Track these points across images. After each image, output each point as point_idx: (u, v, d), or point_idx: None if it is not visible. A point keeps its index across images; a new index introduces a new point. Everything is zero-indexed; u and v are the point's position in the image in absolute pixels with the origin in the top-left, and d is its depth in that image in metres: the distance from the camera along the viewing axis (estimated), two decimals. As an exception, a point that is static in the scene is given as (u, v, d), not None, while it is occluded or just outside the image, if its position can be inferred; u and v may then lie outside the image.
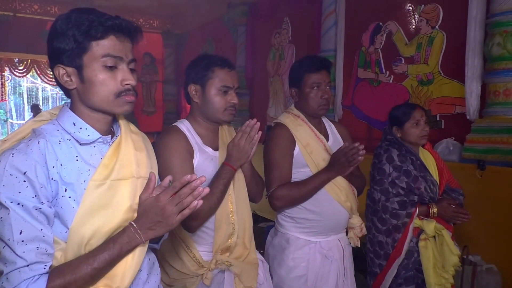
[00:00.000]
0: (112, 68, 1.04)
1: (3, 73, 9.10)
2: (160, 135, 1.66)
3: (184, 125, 1.67)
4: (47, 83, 9.57)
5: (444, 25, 3.72)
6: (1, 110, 13.99)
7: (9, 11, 7.63)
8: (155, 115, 9.36)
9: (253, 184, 1.76)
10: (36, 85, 13.85)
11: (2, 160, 0.96)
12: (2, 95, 9.22)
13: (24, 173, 0.95)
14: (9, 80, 11.36)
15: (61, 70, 1.05)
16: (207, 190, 1.02)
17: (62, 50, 1.02)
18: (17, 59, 8.93)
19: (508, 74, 3.03)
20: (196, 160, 1.61)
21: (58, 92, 14.14)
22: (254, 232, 1.77)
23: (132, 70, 1.09)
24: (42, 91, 14.17)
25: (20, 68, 9.04)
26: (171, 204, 1.01)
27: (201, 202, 1.01)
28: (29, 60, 8.95)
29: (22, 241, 0.94)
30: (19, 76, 9.74)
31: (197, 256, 1.61)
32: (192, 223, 1.54)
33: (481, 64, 3.29)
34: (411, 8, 4.02)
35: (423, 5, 3.89)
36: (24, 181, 0.95)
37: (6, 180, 0.94)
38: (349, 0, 4.67)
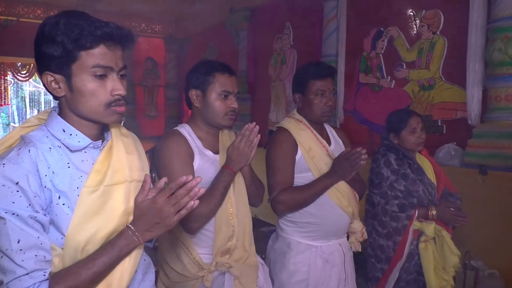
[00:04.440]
0: (102, 77, 1.02)
1: (5, 77, 9.14)
2: (161, 139, 1.68)
3: (185, 129, 1.70)
4: (49, 87, 9.61)
5: (445, 30, 3.73)
6: (3, 114, 14.03)
7: (12, 15, 7.67)
8: (156, 119, 9.37)
9: (253, 188, 1.77)
10: (38, 89, 13.90)
11: None
12: (4, 99, 9.25)
13: (17, 183, 0.94)
14: (11, 84, 11.41)
15: (49, 77, 1.02)
16: (203, 190, 1.03)
17: (50, 56, 0.99)
18: (20, 63, 8.96)
19: (509, 80, 3.03)
20: (197, 163, 1.63)
21: (60, 96, 14.17)
22: (255, 236, 1.78)
23: (122, 76, 1.07)
24: (44, 95, 14.22)
25: (23, 72, 9.07)
26: (168, 205, 1.02)
27: (197, 202, 1.02)
28: (31, 65, 8.97)
29: (20, 250, 0.93)
30: (22, 80, 9.78)
31: (197, 259, 1.63)
32: (192, 225, 1.56)
33: (482, 69, 3.29)
34: (412, 13, 4.03)
35: (424, 11, 3.90)
36: (17, 191, 0.94)
37: None
38: (350, 6, 4.69)
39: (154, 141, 5.80)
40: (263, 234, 4.03)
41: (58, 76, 1.02)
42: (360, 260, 2.39)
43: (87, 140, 1.08)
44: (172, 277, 1.64)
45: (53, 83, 1.03)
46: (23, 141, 1.02)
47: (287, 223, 2.00)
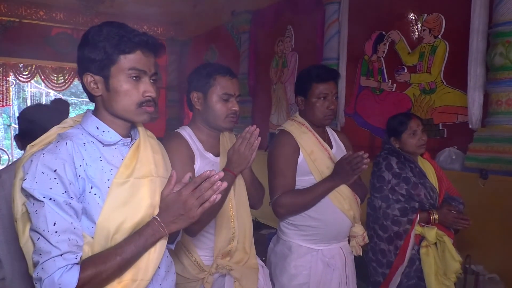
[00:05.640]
0: (136, 79, 1.14)
1: (7, 78, 9.13)
2: (163, 141, 1.68)
3: (186, 132, 1.70)
4: (50, 88, 9.59)
5: (446, 34, 3.73)
6: (4, 115, 14.03)
7: (15, 17, 7.68)
8: (157, 121, 9.36)
9: (253, 190, 1.78)
10: (40, 90, 13.91)
11: (34, 160, 1.05)
12: (6, 100, 9.25)
13: (55, 170, 1.04)
14: (13, 85, 11.42)
15: (89, 78, 1.14)
16: (225, 184, 1.09)
17: (92, 59, 1.12)
18: (22, 64, 8.96)
19: (510, 84, 3.03)
20: (197, 166, 1.63)
21: (61, 97, 14.18)
22: (256, 239, 1.79)
23: (153, 81, 1.18)
24: (46, 96, 14.23)
25: (24, 73, 9.07)
26: (193, 198, 1.09)
27: (219, 196, 1.09)
28: (33, 66, 8.97)
29: (56, 232, 1.00)
30: (24, 82, 9.78)
31: (198, 260, 1.63)
32: (193, 227, 1.56)
33: (483, 73, 3.29)
34: (414, 17, 4.04)
35: (425, 15, 3.90)
36: (55, 178, 1.03)
37: (38, 177, 1.02)
38: (352, 9, 4.69)
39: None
40: (264, 237, 4.02)
41: (97, 77, 1.14)
42: (361, 264, 2.38)
43: (118, 137, 1.19)
44: (172, 279, 1.65)
45: (92, 83, 1.15)
46: (61, 137, 1.13)
47: (288, 226, 2.00)
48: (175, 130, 1.74)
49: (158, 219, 1.13)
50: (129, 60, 1.12)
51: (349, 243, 2.06)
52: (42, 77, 9.22)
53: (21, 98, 14.43)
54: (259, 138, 1.58)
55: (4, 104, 9.36)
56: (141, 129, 1.28)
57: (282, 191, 1.90)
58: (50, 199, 1.01)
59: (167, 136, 1.73)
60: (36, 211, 1.01)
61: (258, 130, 1.58)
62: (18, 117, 1.79)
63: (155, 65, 1.19)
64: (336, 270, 1.95)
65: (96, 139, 1.16)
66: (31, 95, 14.12)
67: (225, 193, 1.58)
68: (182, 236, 1.62)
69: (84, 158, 1.10)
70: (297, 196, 1.89)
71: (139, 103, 1.15)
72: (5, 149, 12.22)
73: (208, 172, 1.09)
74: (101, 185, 1.10)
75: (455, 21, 3.66)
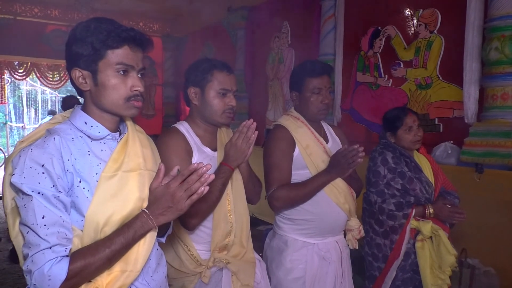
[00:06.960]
0: (124, 74, 1.15)
1: (3, 76, 9.10)
2: (160, 136, 1.69)
3: (183, 126, 1.71)
4: (46, 86, 9.57)
5: (442, 29, 3.74)
6: (0, 113, 13.96)
7: (10, 14, 7.63)
8: (154, 118, 9.36)
9: (250, 185, 1.79)
10: (35, 88, 13.84)
11: (22, 155, 1.06)
12: (1, 98, 9.22)
13: (43, 165, 1.05)
14: (8, 83, 11.36)
15: (77, 73, 1.15)
16: (212, 176, 1.10)
17: (80, 55, 1.13)
18: (17, 62, 8.92)
19: (506, 78, 3.05)
20: (195, 160, 1.63)
21: (57, 95, 14.13)
22: (253, 235, 1.80)
23: (141, 76, 1.20)
24: (42, 94, 14.16)
25: (20, 71, 9.04)
26: (181, 190, 1.11)
27: (207, 188, 1.10)
28: (29, 63, 8.94)
29: (45, 225, 1.02)
30: (19, 79, 9.75)
31: (195, 255, 1.64)
32: (191, 221, 1.57)
33: (479, 68, 3.30)
34: (409, 12, 4.04)
35: (421, 10, 3.91)
36: (43, 173, 1.04)
37: (26, 172, 1.04)
38: (348, 5, 4.69)
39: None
40: (261, 233, 4.03)
41: (85, 72, 1.15)
42: (358, 258, 2.39)
43: (106, 131, 1.20)
44: (170, 274, 1.64)
45: (80, 78, 1.16)
46: (49, 132, 1.14)
47: (284, 220, 2.01)
48: (173, 125, 1.74)
49: (147, 211, 1.14)
50: (116, 55, 1.13)
51: (345, 236, 2.07)
52: (38, 74, 9.19)
53: (16, 96, 14.35)
54: (256, 132, 1.59)
55: (0, 102, 9.32)
56: (129, 124, 1.30)
57: (278, 184, 1.90)
58: (39, 193, 1.03)
59: (164, 131, 1.74)
60: (24, 205, 1.03)
61: (255, 124, 1.59)
62: (62, 102, 2.06)
63: (144, 60, 1.21)
64: (332, 263, 1.96)
65: (85, 133, 1.17)
66: (26, 93, 14.05)
67: (222, 187, 1.59)
68: (179, 230, 1.63)
69: (72, 152, 1.11)
70: (293, 190, 1.90)
71: (127, 97, 1.16)
72: (1, 147, 12.17)
73: (195, 164, 1.10)
74: (89, 179, 1.12)
75: (450, 16, 3.67)
